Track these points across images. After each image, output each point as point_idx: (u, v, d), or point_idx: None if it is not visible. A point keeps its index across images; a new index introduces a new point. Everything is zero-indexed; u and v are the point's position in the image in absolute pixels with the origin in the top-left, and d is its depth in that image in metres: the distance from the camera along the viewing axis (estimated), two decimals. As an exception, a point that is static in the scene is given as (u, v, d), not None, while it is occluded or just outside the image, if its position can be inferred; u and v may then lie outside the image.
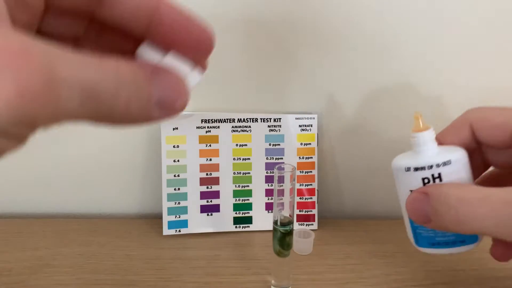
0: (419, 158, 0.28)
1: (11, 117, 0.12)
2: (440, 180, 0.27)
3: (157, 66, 0.17)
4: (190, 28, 0.18)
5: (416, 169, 0.27)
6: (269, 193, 0.44)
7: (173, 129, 0.42)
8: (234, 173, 0.43)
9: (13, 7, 0.16)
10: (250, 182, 0.43)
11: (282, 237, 0.30)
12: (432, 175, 0.27)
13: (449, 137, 0.29)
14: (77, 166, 0.46)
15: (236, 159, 0.43)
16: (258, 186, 0.44)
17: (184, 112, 0.43)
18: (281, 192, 0.29)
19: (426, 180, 0.27)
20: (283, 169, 0.29)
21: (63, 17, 0.19)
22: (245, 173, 0.43)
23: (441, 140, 0.28)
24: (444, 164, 0.27)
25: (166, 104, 0.17)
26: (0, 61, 0.12)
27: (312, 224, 0.44)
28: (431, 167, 0.27)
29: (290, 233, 0.30)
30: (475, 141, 0.28)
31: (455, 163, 0.27)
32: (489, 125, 0.27)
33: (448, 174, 0.27)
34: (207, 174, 0.43)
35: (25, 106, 0.12)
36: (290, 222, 0.30)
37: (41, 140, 0.45)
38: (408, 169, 0.28)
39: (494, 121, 0.27)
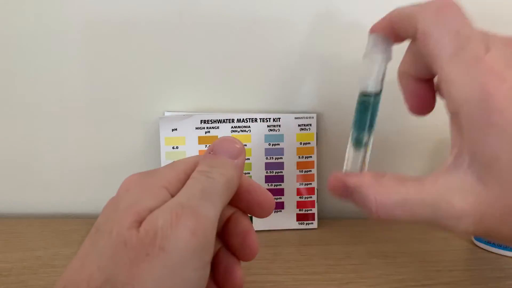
0: None
1: None
2: None
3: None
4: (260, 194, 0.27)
5: None
6: (269, 193, 0.44)
7: (172, 130, 0.42)
8: (234, 173, 0.43)
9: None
10: (250, 182, 0.43)
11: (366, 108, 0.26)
12: None
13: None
14: (76, 166, 0.46)
15: (235, 159, 0.43)
16: (258, 186, 0.44)
17: (183, 113, 0.43)
18: None
19: None
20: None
21: None
22: (245, 173, 0.43)
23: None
24: None
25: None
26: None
27: (312, 223, 0.44)
28: None
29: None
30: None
31: None
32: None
33: None
34: (206, 174, 0.43)
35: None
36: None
37: (41, 141, 0.46)
38: None
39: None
